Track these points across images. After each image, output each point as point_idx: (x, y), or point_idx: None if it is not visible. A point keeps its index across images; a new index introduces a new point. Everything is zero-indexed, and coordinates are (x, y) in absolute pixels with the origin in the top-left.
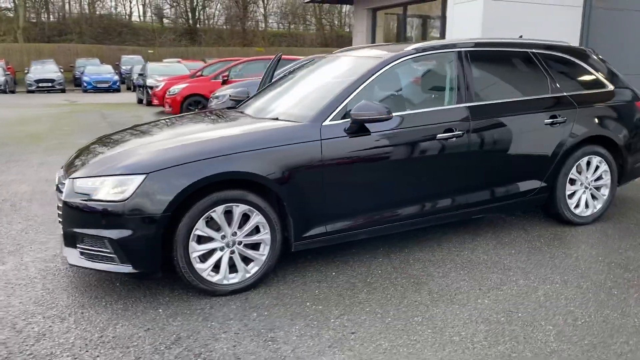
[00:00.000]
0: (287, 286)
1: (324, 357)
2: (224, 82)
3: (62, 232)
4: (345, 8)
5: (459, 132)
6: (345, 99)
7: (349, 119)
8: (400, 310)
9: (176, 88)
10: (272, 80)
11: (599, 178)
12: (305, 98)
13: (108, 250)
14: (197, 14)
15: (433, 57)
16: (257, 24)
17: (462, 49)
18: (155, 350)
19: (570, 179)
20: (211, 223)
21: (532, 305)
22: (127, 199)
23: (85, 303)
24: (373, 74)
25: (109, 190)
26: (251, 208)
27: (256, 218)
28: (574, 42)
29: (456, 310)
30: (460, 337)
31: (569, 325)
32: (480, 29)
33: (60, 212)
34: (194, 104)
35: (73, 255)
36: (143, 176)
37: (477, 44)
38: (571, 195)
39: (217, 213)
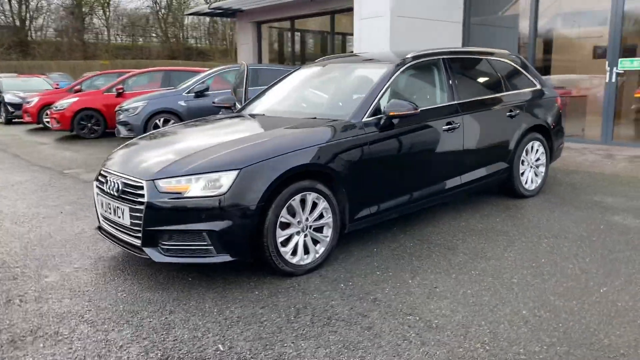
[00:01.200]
0: (348, 263)
1: (431, 303)
2: (119, 95)
3: (142, 234)
4: (189, 19)
5: (456, 124)
6: (375, 99)
7: (379, 115)
8: (456, 268)
9: (64, 103)
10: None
11: (538, 159)
12: (332, 100)
13: (204, 243)
14: (26, 24)
15: (426, 62)
16: (98, 36)
17: (446, 56)
18: (288, 320)
19: (522, 160)
20: (289, 210)
21: (546, 252)
22: (225, 193)
23: (187, 296)
24: (390, 77)
25: (203, 186)
26: (319, 195)
27: (322, 204)
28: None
29: (496, 263)
30: (517, 279)
31: (578, 257)
32: (389, 42)
33: (135, 215)
34: (86, 119)
35: (156, 254)
36: (236, 172)
37: (452, 52)
38: (522, 174)
39: (296, 201)
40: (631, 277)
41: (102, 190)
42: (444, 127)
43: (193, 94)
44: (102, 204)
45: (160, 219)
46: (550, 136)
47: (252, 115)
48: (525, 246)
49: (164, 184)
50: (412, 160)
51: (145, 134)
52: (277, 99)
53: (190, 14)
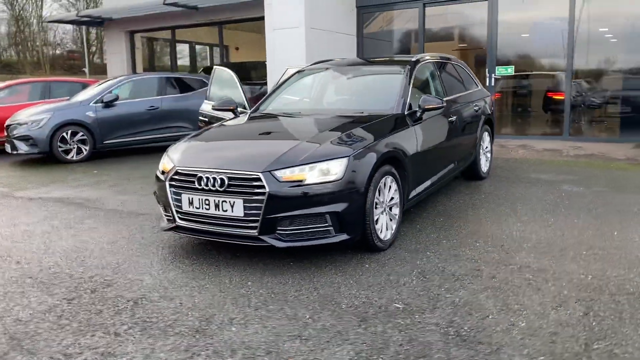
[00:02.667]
0: (409, 237)
1: (525, 255)
2: None
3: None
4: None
5: (453, 118)
6: (407, 95)
7: (415, 109)
8: (512, 229)
9: None
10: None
11: (487, 146)
12: (368, 97)
13: (325, 224)
14: None
15: (426, 65)
16: None
17: (435, 60)
18: (425, 279)
19: (480, 147)
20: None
21: (551, 209)
22: (341, 178)
23: (325, 273)
24: (411, 77)
25: (319, 173)
26: (393, 178)
27: (394, 186)
28: None
29: (542, 223)
30: (570, 234)
31: (561, 205)
32: (305, 52)
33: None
34: None
35: (276, 240)
36: (347, 159)
37: (434, 57)
38: (480, 159)
39: (382, 183)
40: (597, 222)
41: (193, 189)
42: (449, 118)
43: (102, 104)
44: (189, 202)
45: (281, 206)
46: (494, 125)
47: (290, 114)
48: (531, 208)
49: (281, 174)
50: (435, 147)
51: (196, 133)
52: (302, 99)
53: (52, 22)
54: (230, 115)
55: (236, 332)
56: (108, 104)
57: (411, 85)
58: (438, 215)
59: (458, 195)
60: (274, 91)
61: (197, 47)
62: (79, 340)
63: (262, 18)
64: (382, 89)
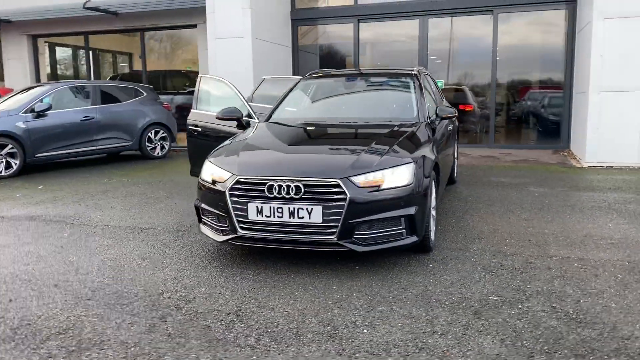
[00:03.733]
0: (440, 236)
1: (556, 248)
2: None
3: (339, 228)
4: None
5: (450, 127)
6: (425, 105)
7: (434, 117)
8: (520, 225)
9: None
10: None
11: (455, 151)
12: (389, 106)
13: (399, 227)
14: None
15: (424, 76)
16: None
17: (425, 73)
18: (493, 273)
19: None
20: None
21: (540, 208)
22: (412, 182)
23: (396, 277)
24: (421, 87)
25: (394, 178)
26: (435, 183)
27: (434, 190)
28: (289, 72)
29: (541, 220)
30: (575, 228)
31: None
32: (252, 62)
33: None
34: None
35: (355, 245)
36: (413, 164)
37: (422, 70)
38: None
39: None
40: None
41: (262, 197)
42: (448, 127)
43: (33, 114)
44: (257, 211)
45: (361, 211)
46: (458, 133)
47: (322, 124)
48: (500, 202)
49: (359, 180)
50: (444, 154)
51: (229, 143)
52: (321, 109)
53: None
54: (232, 124)
55: (369, 333)
56: (40, 114)
57: (423, 95)
58: (445, 217)
59: (444, 198)
60: (281, 101)
61: (105, 54)
62: (217, 355)
63: (191, 26)
64: (400, 99)
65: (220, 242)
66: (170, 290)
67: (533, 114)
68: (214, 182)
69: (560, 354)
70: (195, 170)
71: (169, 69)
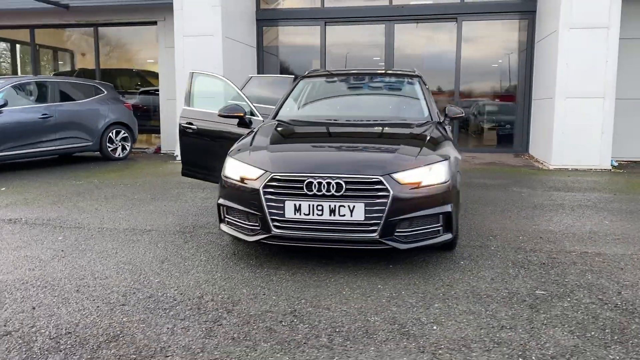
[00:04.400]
0: None
1: (571, 243)
2: None
3: (381, 225)
4: None
5: (447, 127)
6: (434, 105)
7: (444, 117)
8: (525, 224)
9: None
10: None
11: None
12: (400, 106)
13: (437, 225)
14: None
15: (423, 78)
16: None
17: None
18: (511, 274)
19: None
20: None
21: (533, 207)
22: (448, 180)
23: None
24: (427, 87)
25: (432, 176)
26: None
27: None
28: (255, 72)
29: (542, 218)
30: (577, 224)
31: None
32: (222, 60)
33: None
34: None
35: (398, 243)
36: (448, 162)
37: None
38: None
39: None
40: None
41: (300, 195)
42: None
43: None
44: (295, 208)
45: (403, 208)
46: None
47: (335, 122)
48: (496, 201)
49: (400, 177)
50: None
51: (250, 141)
52: (328, 108)
53: None
54: (232, 122)
55: (440, 330)
56: None
57: (431, 96)
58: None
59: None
60: (285, 99)
61: (47, 51)
62: (295, 357)
63: (150, 23)
64: (409, 99)
65: (250, 242)
66: (210, 293)
67: (493, 120)
68: (242, 180)
69: (632, 343)
70: (188, 170)
71: (121, 67)
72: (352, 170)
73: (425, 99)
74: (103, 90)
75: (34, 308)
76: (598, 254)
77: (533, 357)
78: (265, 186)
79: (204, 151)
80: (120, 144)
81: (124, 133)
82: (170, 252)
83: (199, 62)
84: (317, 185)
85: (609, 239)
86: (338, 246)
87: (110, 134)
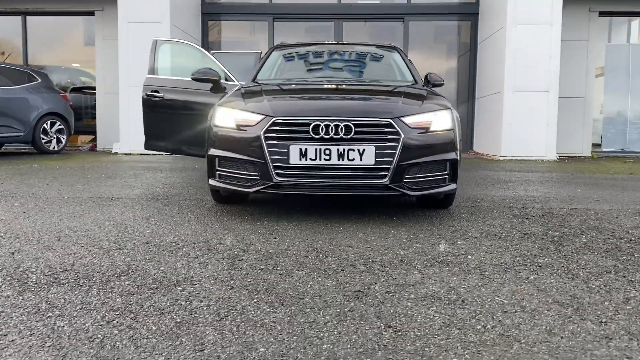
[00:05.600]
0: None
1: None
2: None
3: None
4: None
5: None
6: (417, 71)
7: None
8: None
9: None
10: None
11: None
12: (386, 72)
13: (444, 172)
14: None
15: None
16: None
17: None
18: (527, 234)
19: None
20: None
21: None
22: (454, 128)
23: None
24: (404, 59)
25: (438, 122)
26: None
27: None
28: None
29: (549, 188)
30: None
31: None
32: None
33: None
34: None
35: (406, 189)
36: (451, 110)
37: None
38: None
39: None
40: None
41: (306, 139)
42: None
43: None
44: (301, 153)
45: (413, 153)
46: None
47: (330, 82)
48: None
49: (410, 121)
50: None
51: (245, 93)
52: (313, 72)
53: None
54: (206, 88)
55: (478, 258)
56: None
57: (412, 63)
58: None
59: None
60: (262, 66)
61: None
62: (338, 279)
63: (87, 13)
64: (393, 67)
65: (250, 192)
66: (214, 239)
67: None
68: (238, 127)
69: None
70: (152, 143)
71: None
72: (360, 114)
73: (407, 66)
74: (37, 77)
75: (12, 254)
76: (587, 209)
77: (580, 273)
78: (267, 131)
79: (171, 120)
80: (55, 136)
81: (60, 125)
82: (151, 213)
83: (143, 51)
84: (324, 128)
85: (589, 200)
86: (346, 193)
87: (45, 125)
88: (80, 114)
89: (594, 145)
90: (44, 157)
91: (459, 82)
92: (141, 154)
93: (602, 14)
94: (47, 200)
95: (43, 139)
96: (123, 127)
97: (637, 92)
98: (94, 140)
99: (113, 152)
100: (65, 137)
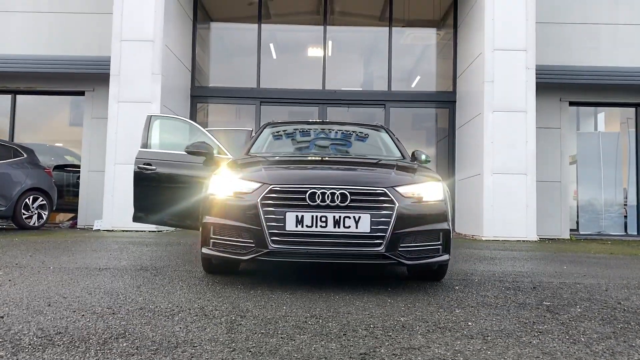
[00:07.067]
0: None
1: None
2: None
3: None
4: None
5: None
6: (404, 148)
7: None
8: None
9: None
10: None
11: None
12: (373, 149)
13: (438, 242)
14: None
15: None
16: None
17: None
18: (521, 304)
19: None
20: None
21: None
22: (444, 199)
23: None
24: (392, 137)
25: (430, 193)
26: None
27: None
28: None
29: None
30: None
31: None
32: (160, 68)
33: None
34: None
35: (401, 258)
36: (441, 182)
37: None
38: None
39: None
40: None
41: (303, 206)
42: None
43: None
44: (297, 220)
45: (407, 222)
46: None
47: (320, 159)
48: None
49: (404, 190)
50: None
51: (242, 164)
52: (304, 148)
53: None
54: (199, 161)
55: (478, 325)
56: None
57: (399, 141)
58: None
59: None
60: (254, 142)
61: None
62: (342, 342)
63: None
64: (381, 144)
65: (245, 260)
66: (210, 306)
67: None
68: (235, 195)
69: None
70: (140, 215)
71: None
72: (356, 183)
73: (395, 144)
74: (22, 153)
75: (2, 317)
76: (577, 283)
77: (582, 339)
78: (264, 198)
79: (163, 194)
80: (36, 211)
81: (42, 200)
82: (142, 282)
83: (133, 128)
84: (321, 196)
85: (576, 275)
86: (342, 261)
87: (27, 200)
88: (62, 191)
89: (571, 229)
90: (24, 232)
91: (438, 164)
92: (123, 231)
93: (571, 103)
94: (32, 269)
95: (24, 214)
96: (107, 204)
97: (610, 180)
98: (75, 217)
99: (94, 229)
100: (46, 213)
